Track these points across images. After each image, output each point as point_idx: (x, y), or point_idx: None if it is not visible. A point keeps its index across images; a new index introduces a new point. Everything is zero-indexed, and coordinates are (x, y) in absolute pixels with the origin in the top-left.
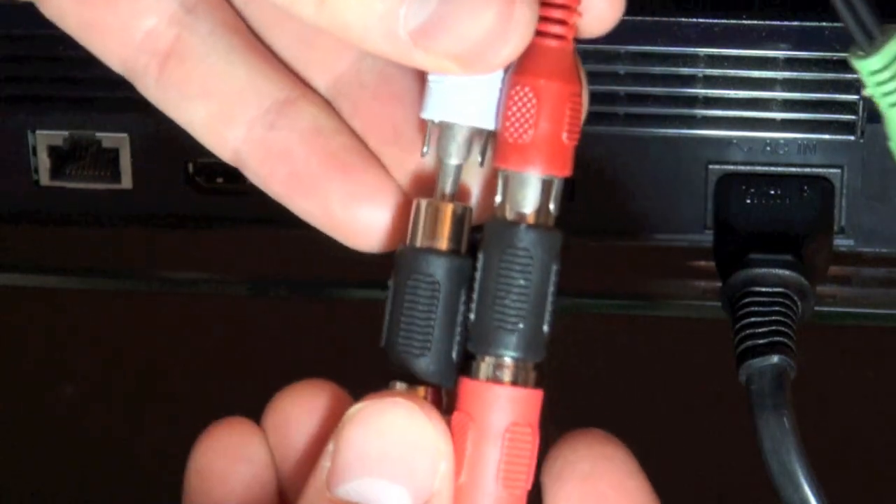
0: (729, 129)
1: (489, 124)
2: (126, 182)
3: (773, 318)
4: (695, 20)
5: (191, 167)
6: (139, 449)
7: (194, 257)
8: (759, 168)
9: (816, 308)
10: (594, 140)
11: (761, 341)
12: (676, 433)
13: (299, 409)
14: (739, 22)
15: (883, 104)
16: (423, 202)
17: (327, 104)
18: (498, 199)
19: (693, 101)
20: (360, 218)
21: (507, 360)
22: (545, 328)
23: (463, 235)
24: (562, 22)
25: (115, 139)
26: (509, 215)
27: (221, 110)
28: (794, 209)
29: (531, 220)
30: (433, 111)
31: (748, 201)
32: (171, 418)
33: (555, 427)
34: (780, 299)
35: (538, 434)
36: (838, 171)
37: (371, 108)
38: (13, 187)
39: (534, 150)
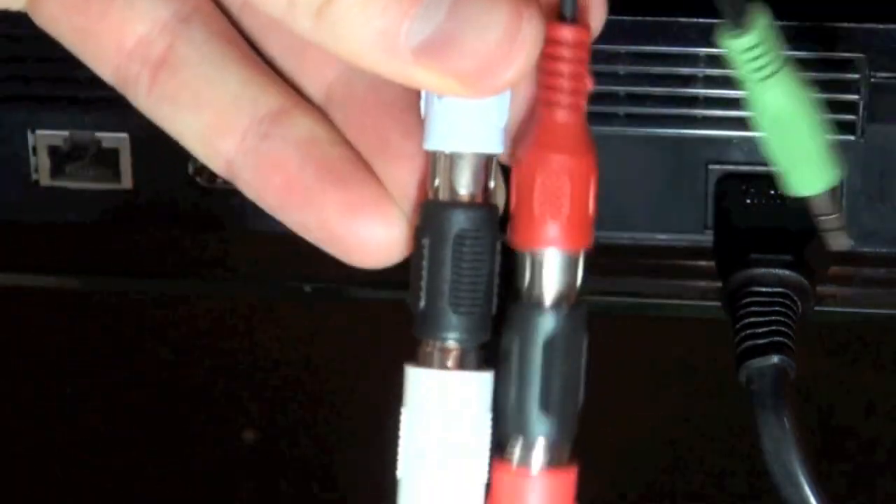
0: (729, 129)
1: (497, 148)
2: (126, 182)
3: (773, 318)
4: (695, 20)
5: (191, 167)
6: (139, 449)
7: (194, 257)
8: (759, 168)
9: (816, 308)
10: (594, 140)
11: (761, 341)
12: (676, 433)
13: None
14: None
15: (753, 80)
16: (444, 154)
17: (322, 114)
18: (525, 281)
19: (693, 101)
20: (358, 231)
21: (555, 443)
22: (579, 408)
23: (489, 185)
24: (576, 91)
25: (115, 139)
26: (541, 295)
27: (214, 120)
28: (794, 209)
29: (569, 299)
30: (437, 141)
31: (748, 201)
32: (170, 418)
33: None
34: (780, 299)
35: None
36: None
37: (360, 117)
38: (13, 187)
39: (568, 227)
